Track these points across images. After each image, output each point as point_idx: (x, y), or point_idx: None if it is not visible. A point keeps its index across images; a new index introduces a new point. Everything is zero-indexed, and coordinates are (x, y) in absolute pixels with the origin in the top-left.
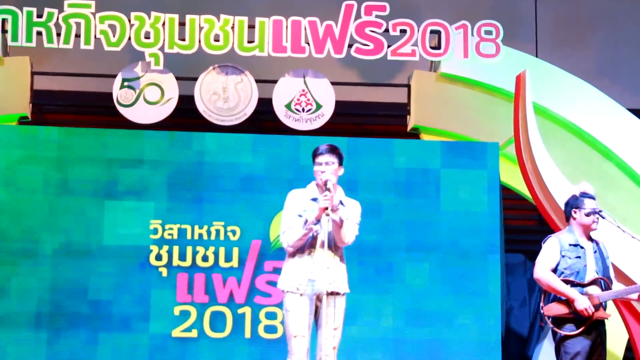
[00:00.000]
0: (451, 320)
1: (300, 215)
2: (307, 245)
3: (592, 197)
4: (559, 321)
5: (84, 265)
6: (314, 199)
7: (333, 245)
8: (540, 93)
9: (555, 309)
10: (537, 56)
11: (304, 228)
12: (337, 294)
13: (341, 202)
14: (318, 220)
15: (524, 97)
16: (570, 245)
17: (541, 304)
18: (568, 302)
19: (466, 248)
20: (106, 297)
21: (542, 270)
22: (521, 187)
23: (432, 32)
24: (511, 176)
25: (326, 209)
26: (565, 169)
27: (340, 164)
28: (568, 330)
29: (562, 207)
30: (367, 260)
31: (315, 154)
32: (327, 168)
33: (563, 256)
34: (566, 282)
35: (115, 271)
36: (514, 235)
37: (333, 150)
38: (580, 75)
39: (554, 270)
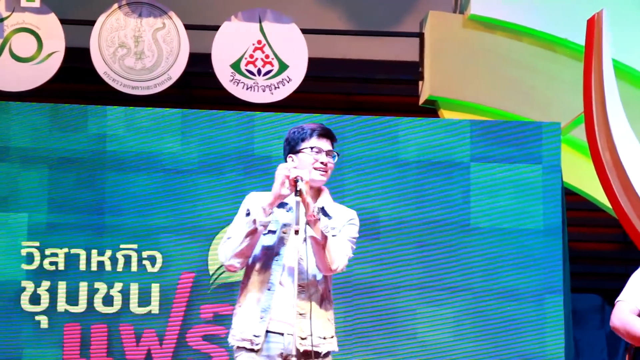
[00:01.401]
0: None
1: (248, 214)
2: (267, 275)
3: None
4: None
5: None
6: (284, 205)
7: (309, 275)
8: (625, 46)
9: None
10: None
11: (247, 224)
12: (316, 355)
13: (323, 210)
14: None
15: (600, 52)
16: None
17: None
18: None
19: (511, 286)
20: None
21: (622, 314)
22: (595, 192)
23: None
24: (580, 174)
25: (295, 183)
26: None
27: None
28: None
29: None
30: (360, 302)
31: (311, 133)
32: (329, 161)
33: None
34: None
35: None
36: (586, 266)
37: (334, 137)
38: None
39: None
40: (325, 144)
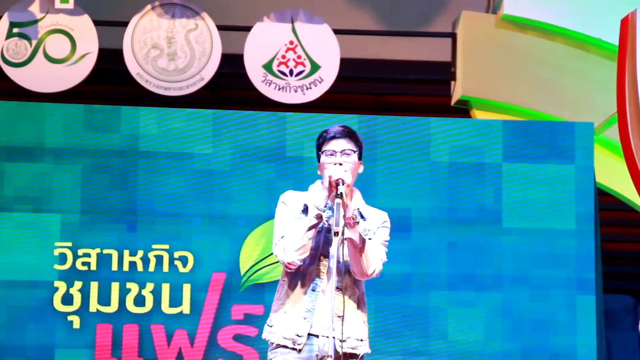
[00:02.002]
0: None
1: (305, 210)
2: (311, 275)
3: None
4: None
5: None
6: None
7: (348, 280)
8: None
9: None
10: None
11: (309, 220)
12: (354, 357)
13: (360, 214)
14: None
15: (634, 52)
16: None
17: None
18: None
19: (543, 285)
20: None
21: None
22: (628, 192)
23: None
24: (613, 175)
25: (335, 187)
26: None
27: (360, 156)
28: None
29: None
30: (390, 302)
31: (325, 138)
32: (345, 160)
33: None
34: None
35: None
36: (619, 267)
37: (351, 135)
38: None
39: None
40: (339, 144)
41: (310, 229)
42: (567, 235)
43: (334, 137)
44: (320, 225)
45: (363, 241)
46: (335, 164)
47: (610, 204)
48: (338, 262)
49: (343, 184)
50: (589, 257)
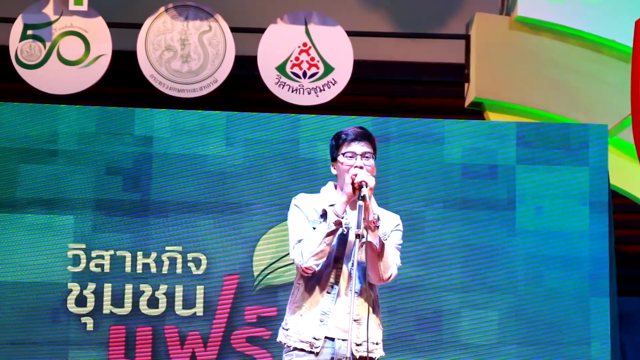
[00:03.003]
0: None
1: (323, 216)
2: (327, 278)
3: None
4: None
5: None
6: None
7: (365, 284)
8: None
9: None
10: None
11: (328, 225)
12: None
13: (378, 218)
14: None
15: None
16: None
17: None
18: None
19: (557, 288)
20: None
21: None
22: None
23: None
24: (627, 176)
25: (359, 189)
26: None
27: (375, 159)
28: None
29: None
30: (403, 304)
31: (345, 139)
32: (365, 163)
33: None
34: None
35: (10, 324)
36: (633, 269)
37: (370, 137)
38: None
39: None
40: (359, 147)
41: (328, 234)
42: (581, 237)
43: (355, 139)
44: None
45: (382, 245)
46: (355, 167)
47: (624, 206)
48: (358, 265)
49: (366, 187)
50: (603, 260)
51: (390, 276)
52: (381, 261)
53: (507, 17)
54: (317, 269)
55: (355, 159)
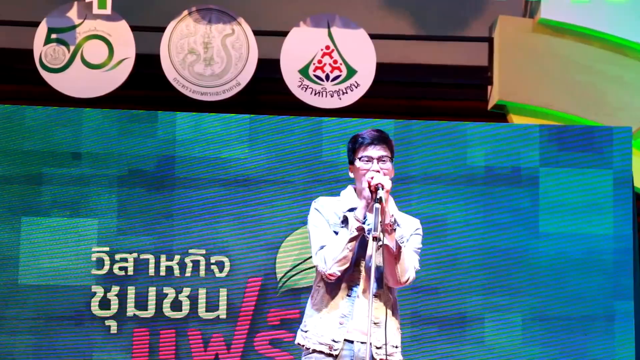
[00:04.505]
0: None
1: (336, 233)
2: (347, 281)
3: None
4: None
5: None
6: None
7: (383, 287)
8: None
9: None
10: None
11: (350, 232)
12: None
13: (395, 221)
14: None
15: None
16: None
17: None
18: None
19: (581, 292)
20: None
21: None
22: None
23: None
24: None
25: (375, 192)
26: None
27: (393, 161)
28: None
29: None
30: (426, 307)
31: (362, 143)
32: (382, 167)
33: None
34: None
35: (35, 327)
36: None
37: (387, 140)
38: None
39: None
40: (376, 151)
41: (351, 240)
42: (605, 241)
43: (371, 143)
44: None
45: (399, 248)
46: (372, 171)
47: None
48: (376, 268)
49: (382, 189)
50: (628, 263)
51: (408, 279)
52: (398, 264)
53: (530, 19)
54: (340, 274)
55: (372, 163)
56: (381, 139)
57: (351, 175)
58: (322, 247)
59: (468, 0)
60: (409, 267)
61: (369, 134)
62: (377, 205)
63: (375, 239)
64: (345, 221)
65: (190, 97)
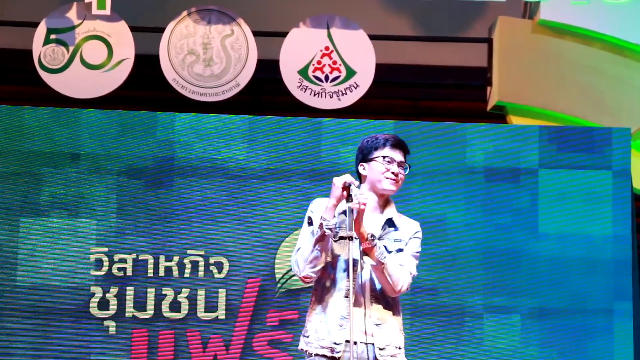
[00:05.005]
0: None
1: (310, 223)
2: (343, 282)
3: None
4: None
5: None
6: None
7: (381, 289)
8: None
9: None
10: None
11: (314, 232)
12: None
13: (391, 222)
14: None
15: None
16: None
17: None
18: None
19: (580, 292)
20: None
21: None
22: None
23: None
24: None
25: (347, 190)
26: None
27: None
28: None
29: None
30: (425, 308)
31: (385, 143)
32: (400, 172)
33: None
34: None
35: (33, 327)
36: None
37: (408, 149)
38: None
39: None
40: (398, 155)
41: (317, 241)
42: (603, 241)
43: (396, 147)
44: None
45: (382, 264)
46: (393, 172)
47: None
48: (354, 266)
49: (355, 187)
50: (626, 264)
51: (402, 287)
52: (388, 277)
53: (530, 20)
54: (315, 276)
55: (393, 165)
56: (405, 146)
57: (363, 172)
58: (297, 250)
59: (468, 2)
60: (400, 276)
61: (394, 137)
62: (349, 204)
63: (347, 238)
64: (311, 222)
65: (190, 98)
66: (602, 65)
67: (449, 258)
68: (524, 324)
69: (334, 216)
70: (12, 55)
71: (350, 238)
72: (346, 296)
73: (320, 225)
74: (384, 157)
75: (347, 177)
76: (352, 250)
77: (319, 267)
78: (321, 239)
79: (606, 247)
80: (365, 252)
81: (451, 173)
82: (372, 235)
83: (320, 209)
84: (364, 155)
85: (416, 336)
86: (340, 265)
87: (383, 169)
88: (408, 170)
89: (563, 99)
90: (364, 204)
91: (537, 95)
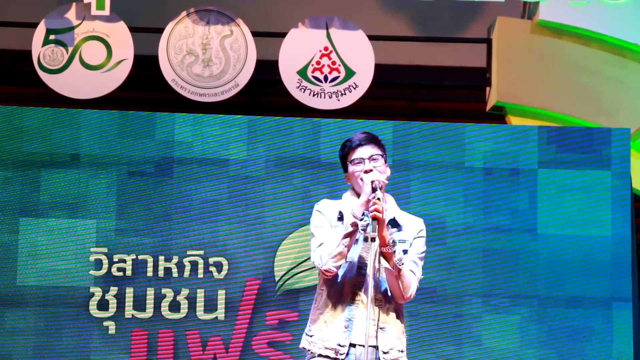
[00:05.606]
0: None
1: (340, 218)
2: (350, 285)
3: None
4: None
5: None
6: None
7: (389, 290)
8: None
9: None
10: None
11: (345, 229)
12: None
13: (394, 222)
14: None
15: None
16: None
17: None
18: None
19: (579, 293)
20: None
21: None
22: None
23: None
24: None
25: (374, 191)
26: None
27: (386, 160)
28: None
29: None
30: (425, 309)
31: (350, 147)
32: (374, 165)
33: None
34: None
35: (33, 327)
36: None
37: (375, 140)
38: None
39: None
40: (366, 151)
41: (346, 236)
42: (603, 242)
43: (359, 145)
44: (360, 234)
45: (399, 270)
46: (365, 171)
47: None
48: (377, 270)
49: (380, 189)
50: (626, 264)
51: (411, 294)
52: (400, 283)
53: (528, 20)
54: (336, 271)
55: (364, 164)
56: (368, 139)
57: (348, 182)
58: (320, 245)
59: (466, 2)
60: (410, 282)
61: (356, 136)
62: (377, 200)
63: (372, 239)
64: (341, 217)
65: (189, 98)
66: (601, 65)
67: (448, 259)
68: (524, 324)
69: (364, 213)
70: (12, 55)
71: (374, 239)
72: (352, 298)
73: (354, 224)
74: (351, 161)
75: (375, 175)
76: (371, 252)
77: (340, 263)
78: (350, 235)
79: (605, 247)
80: (384, 257)
81: (450, 174)
82: (394, 241)
83: (329, 210)
84: (343, 167)
85: (415, 337)
86: (348, 266)
87: (357, 172)
88: (383, 159)
89: (562, 100)
90: (380, 212)
91: (536, 95)
